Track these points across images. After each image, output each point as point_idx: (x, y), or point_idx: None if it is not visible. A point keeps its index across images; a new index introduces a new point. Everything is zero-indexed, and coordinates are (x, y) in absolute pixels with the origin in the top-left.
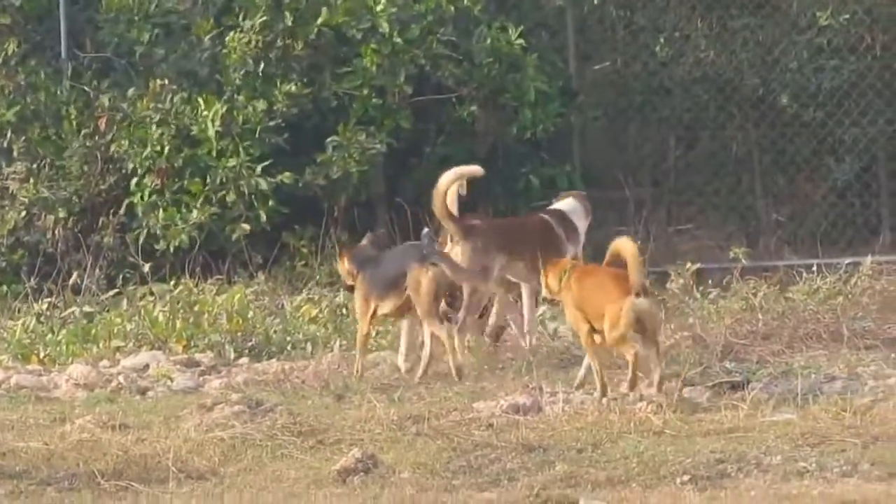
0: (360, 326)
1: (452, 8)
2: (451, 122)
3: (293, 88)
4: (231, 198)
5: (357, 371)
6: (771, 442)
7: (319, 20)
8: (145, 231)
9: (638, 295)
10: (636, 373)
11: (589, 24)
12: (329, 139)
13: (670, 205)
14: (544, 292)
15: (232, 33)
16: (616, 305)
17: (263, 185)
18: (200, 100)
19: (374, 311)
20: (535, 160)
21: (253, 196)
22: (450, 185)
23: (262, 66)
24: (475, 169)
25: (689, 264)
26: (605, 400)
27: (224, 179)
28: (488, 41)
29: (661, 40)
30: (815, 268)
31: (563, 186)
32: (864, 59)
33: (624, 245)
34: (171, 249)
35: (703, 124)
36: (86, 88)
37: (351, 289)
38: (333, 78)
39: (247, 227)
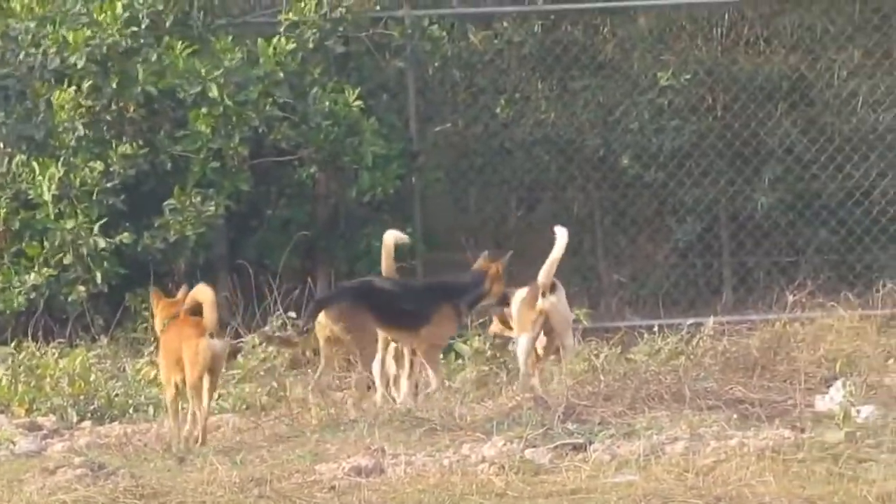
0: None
1: (281, 73)
2: (292, 184)
3: (128, 149)
4: (68, 259)
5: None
6: (614, 503)
7: (140, 79)
8: None
9: (212, 336)
10: (205, 426)
11: (430, 85)
12: (166, 203)
13: (511, 266)
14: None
15: (58, 93)
16: (193, 344)
17: (102, 243)
18: (36, 164)
19: None
20: (377, 222)
21: (90, 257)
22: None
23: (94, 129)
24: None
25: None
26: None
27: (62, 241)
28: (326, 103)
29: (502, 101)
30: (656, 328)
31: (404, 249)
32: (705, 120)
33: (201, 291)
34: (9, 312)
35: (544, 185)
36: None
37: None
38: (170, 140)
39: (83, 288)
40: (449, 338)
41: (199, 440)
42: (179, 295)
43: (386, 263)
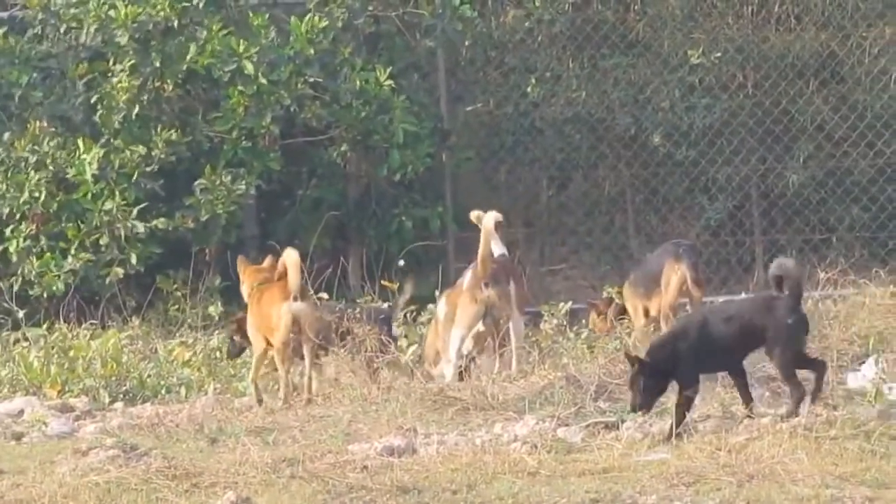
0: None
1: (313, 51)
2: (323, 164)
3: (172, 136)
4: (105, 241)
5: None
6: (646, 481)
7: (187, 58)
8: (20, 278)
9: (296, 299)
10: (287, 388)
11: (461, 65)
12: (197, 182)
13: (543, 245)
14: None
15: (117, 77)
16: (277, 309)
17: (140, 227)
18: (80, 143)
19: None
20: (408, 202)
21: (126, 239)
22: None
23: (136, 109)
24: None
25: (562, 304)
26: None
27: (99, 223)
28: (356, 82)
29: (533, 81)
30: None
31: (436, 228)
32: (735, 98)
33: (288, 255)
34: (46, 295)
35: (575, 164)
36: None
37: None
38: (204, 121)
39: (120, 270)
40: None
41: (282, 400)
42: (266, 263)
43: (485, 248)
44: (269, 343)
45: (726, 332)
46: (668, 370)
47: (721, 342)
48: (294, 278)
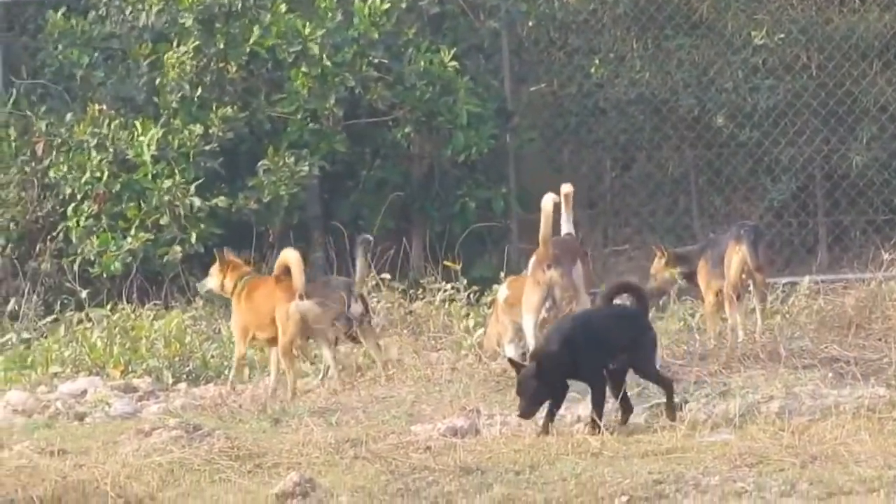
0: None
1: (377, 33)
2: (387, 145)
3: (228, 112)
4: (165, 221)
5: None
6: (709, 462)
7: (251, 41)
8: (80, 257)
9: (301, 298)
10: (295, 383)
11: (524, 45)
12: (260, 163)
13: (606, 226)
14: (213, 285)
15: (168, 54)
16: (283, 309)
17: (198, 203)
18: (138, 124)
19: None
20: (471, 183)
21: (186, 218)
22: None
23: (198, 90)
24: None
25: None
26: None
27: (159, 203)
28: (421, 64)
29: (597, 61)
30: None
31: (499, 209)
32: (799, 79)
33: (288, 255)
34: (105, 275)
35: (638, 145)
36: (27, 113)
37: None
38: (267, 102)
39: (178, 249)
40: None
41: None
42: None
43: (545, 229)
44: (254, 337)
45: (603, 340)
46: (564, 375)
47: (600, 349)
48: (298, 277)
